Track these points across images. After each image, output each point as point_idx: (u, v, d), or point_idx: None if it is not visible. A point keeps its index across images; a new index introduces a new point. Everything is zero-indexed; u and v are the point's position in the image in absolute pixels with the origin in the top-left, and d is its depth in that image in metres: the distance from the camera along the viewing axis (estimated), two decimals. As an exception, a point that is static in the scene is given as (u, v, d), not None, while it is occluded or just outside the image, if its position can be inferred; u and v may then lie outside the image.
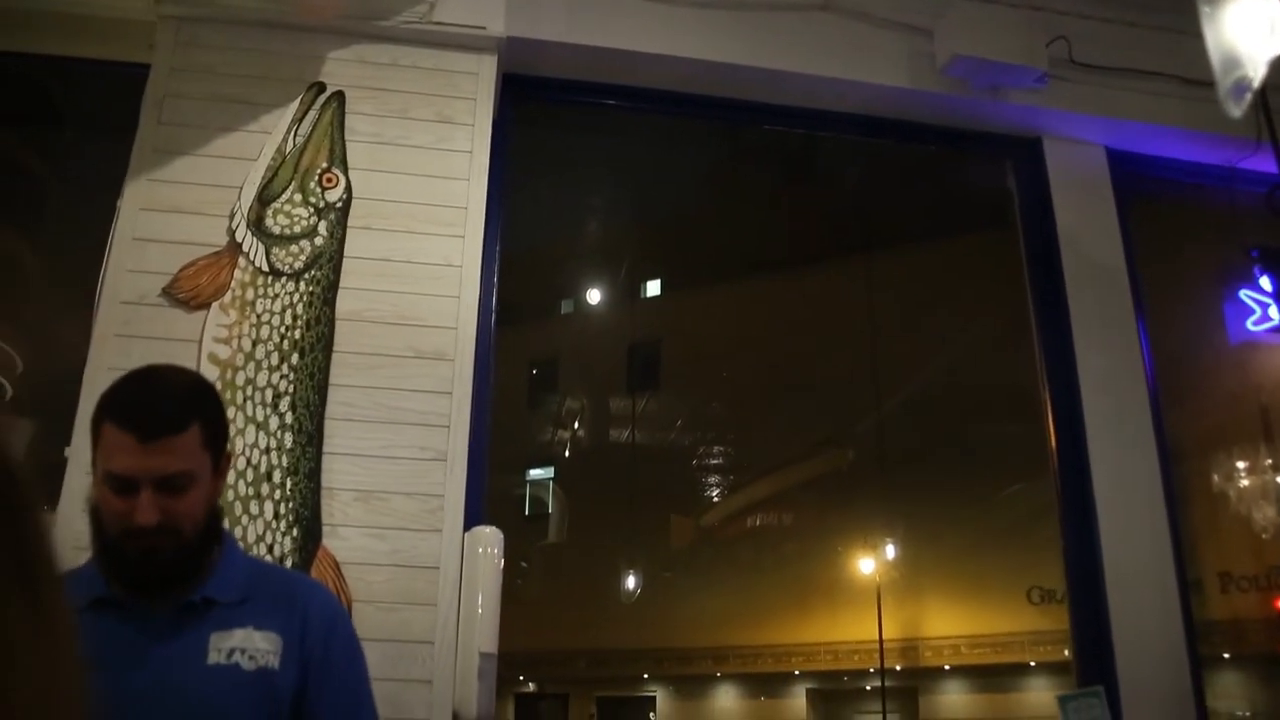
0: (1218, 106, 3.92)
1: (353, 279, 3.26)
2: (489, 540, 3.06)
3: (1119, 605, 3.69)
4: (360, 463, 3.05)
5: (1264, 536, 12.79)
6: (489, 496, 3.45)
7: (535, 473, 20.11)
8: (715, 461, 19.15)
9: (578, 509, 18.72)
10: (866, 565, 18.63)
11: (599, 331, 19.08)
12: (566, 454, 19.63)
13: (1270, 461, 9.50)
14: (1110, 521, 3.75)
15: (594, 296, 18.93)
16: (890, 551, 18.21)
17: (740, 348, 17.26)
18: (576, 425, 19.32)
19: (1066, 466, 3.87)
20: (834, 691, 22.88)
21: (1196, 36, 3.93)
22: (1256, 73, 1.61)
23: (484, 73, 3.65)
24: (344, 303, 3.22)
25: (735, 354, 17.54)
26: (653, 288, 20.74)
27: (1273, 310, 4.15)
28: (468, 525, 3.12)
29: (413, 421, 3.13)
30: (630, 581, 17.29)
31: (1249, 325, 4.38)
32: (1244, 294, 4.39)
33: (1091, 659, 3.71)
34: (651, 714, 23.92)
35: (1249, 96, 1.63)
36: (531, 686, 23.85)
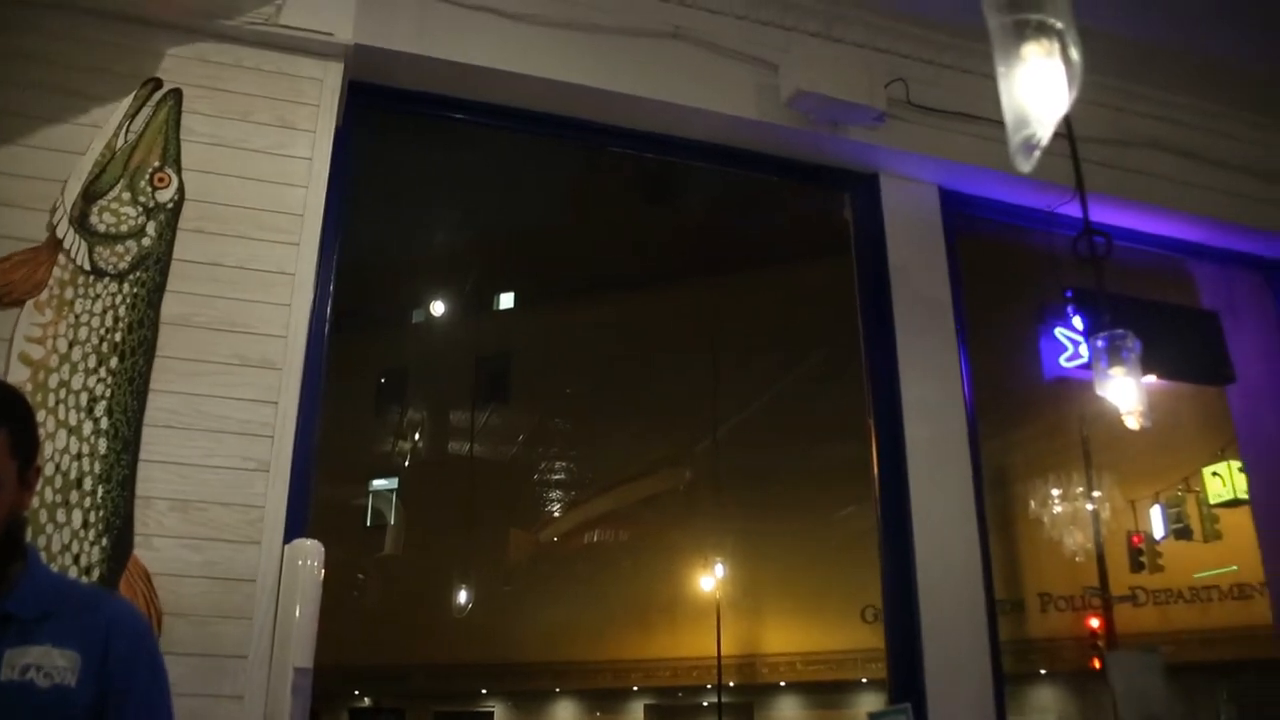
0: (1044, 153, 4.16)
1: (181, 282, 3.16)
2: (310, 553, 3.01)
3: (930, 624, 3.84)
4: (179, 471, 2.96)
5: (1077, 560, 13.47)
6: (331, 506, 3.40)
7: (379, 483, 19.78)
8: (557, 476, 19.18)
9: (419, 521, 18.48)
10: (707, 583, 18.92)
11: (449, 342, 18.89)
12: (408, 465, 19.38)
13: (1081, 490, 10.07)
14: (925, 544, 3.90)
15: (446, 308, 18.73)
16: (722, 570, 18.54)
17: (588, 364, 17.35)
18: (417, 436, 19.09)
19: (887, 490, 4.02)
20: (672, 707, 23.09)
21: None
22: (1044, 132, 1.72)
23: (329, 79, 3.59)
24: (170, 306, 3.12)
25: (583, 370, 17.62)
26: (506, 300, 20.67)
27: (1083, 348, 4.39)
28: (290, 537, 3.05)
29: (236, 430, 3.05)
30: (462, 596, 17.14)
31: (1061, 361, 4.63)
32: (1059, 332, 4.64)
33: (903, 676, 3.85)
34: (488, 729, 23.74)
35: (1037, 154, 1.73)
36: (367, 701, 23.36)
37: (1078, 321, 4.40)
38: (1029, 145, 1.68)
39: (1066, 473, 10.65)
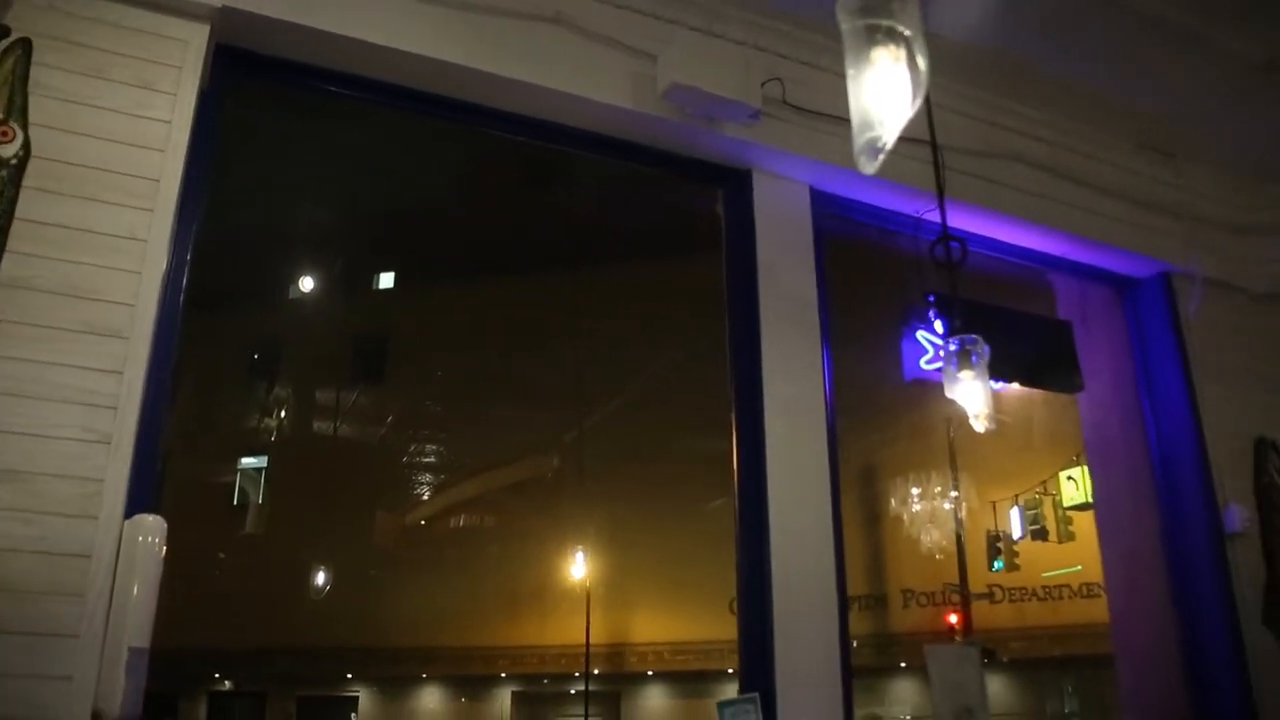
0: (912, 160, 4.26)
1: (22, 243, 3.02)
2: (151, 529, 2.91)
3: (783, 616, 3.90)
4: (11, 441, 2.83)
5: (938, 558, 13.88)
6: (198, 484, 3.28)
7: (248, 461, 19.29)
8: (427, 459, 18.98)
9: (286, 500, 18.10)
10: (577, 571, 18.97)
11: (326, 320, 18.51)
12: (276, 443, 18.95)
13: (939, 489, 10.39)
14: (781, 538, 3.97)
15: (324, 285, 18.33)
16: (587, 559, 18.63)
17: (463, 347, 17.19)
18: (283, 414, 18.69)
19: (746, 484, 4.07)
20: (538, 694, 23.11)
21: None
22: (889, 135, 1.76)
23: (194, 41, 3.47)
24: (9, 268, 2.98)
25: (458, 353, 17.45)
26: (386, 280, 20.32)
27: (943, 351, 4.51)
28: (132, 512, 2.95)
29: (76, 400, 2.93)
30: (320, 577, 16.86)
31: (922, 364, 4.75)
32: (920, 335, 4.76)
33: (755, 667, 3.91)
34: (353, 714, 23.37)
35: (882, 156, 1.77)
36: (228, 685, 22.82)
37: (939, 325, 4.50)
38: (873, 148, 1.72)
39: (927, 472, 10.97)
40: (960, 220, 5.03)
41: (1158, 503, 5.48)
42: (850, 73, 1.75)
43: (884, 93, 1.73)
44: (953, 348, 3.31)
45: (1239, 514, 5.27)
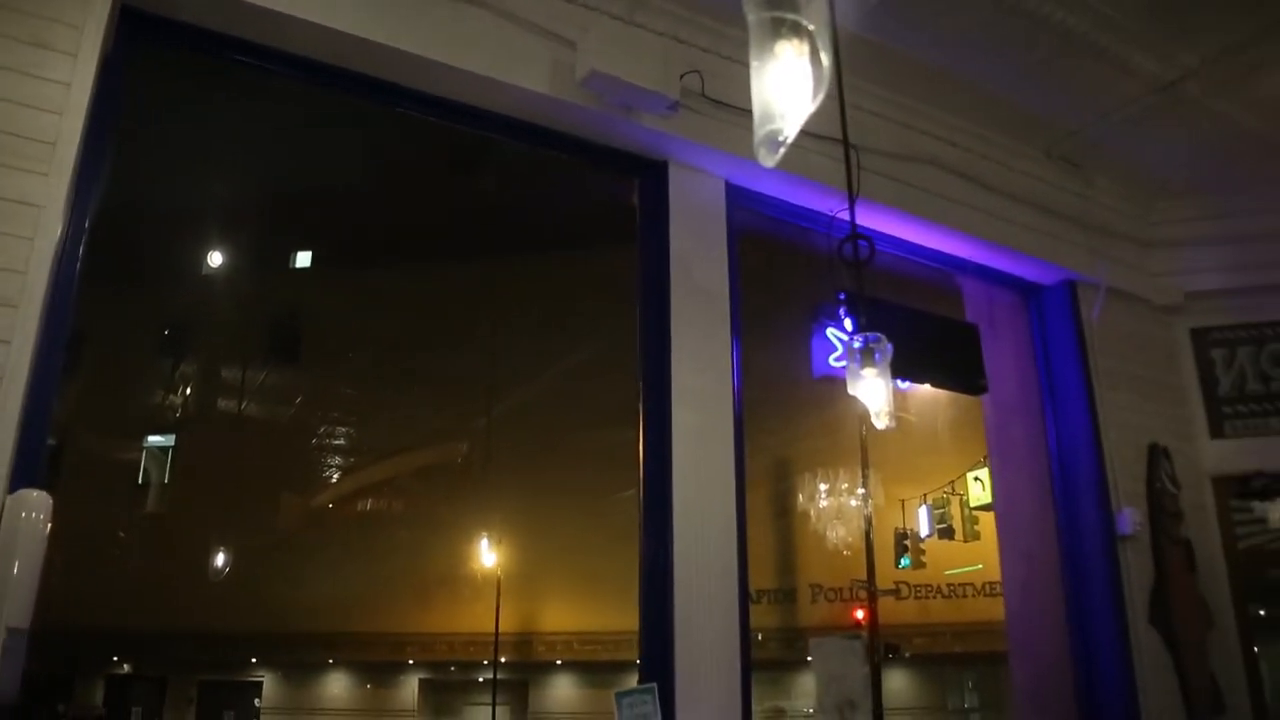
0: (827, 159, 4.30)
1: (-97, 204, 2.91)
2: (34, 505, 2.82)
3: (684, 608, 3.92)
4: (-116, 409, 2.73)
5: (845, 554, 14.06)
6: (104, 462, 3.17)
7: (154, 439, 18.84)
8: (336, 441, 18.71)
9: (193, 480, 17.71)
10: (488, 558, 18.87)
11: (241, 298, 18.10)
12: (185, 422, 18.52)
13: (846, 486, 10.54)
14: (684, 530, 3.98)
15: (238, 261, 17.91)
16: (498, 547, 18.54)
17: (379, 331, 16.96)
18: (188, 392, 18.28)
19: (651, 475, 4.08)
20: (446, 682, 22.97)
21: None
22: (790, 129, 1.77)
23: (95, 1, 3.36)
24: (-112, 229, 2.87)
25: (372, 336, 17.21)
26: (303, 259, 19.93)
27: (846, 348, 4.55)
28: (16, 486, 2.86)
29: (-44, 369, 2.83)
30: (219, 559, 16.55)
31: (831, 360, 4.80)
32: (830, 332, 4.81)
33: (654, 658, 3.92)
34: (256, 700, 22.98)
35: (783, 150, 1.78)
36: (127, 668, 22.27)
37: (849, 323, 4.55)
38: (774, 140, 1.72)
39: (835, 469, 11.11)
40: (874, 220, 5.09)
41: (1055, 505, 5.61)
42: (754, 65, 1.75)
43: (786, 86, 1.74)
44: (856, 345, 3.35)
45: (1131, 517, 5.42)
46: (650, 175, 4.51)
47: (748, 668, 4.05)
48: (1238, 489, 6.19)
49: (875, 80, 5.03)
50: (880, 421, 3.25)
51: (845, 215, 4.76)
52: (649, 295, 4.32)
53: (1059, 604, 5.55)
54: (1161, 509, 5.66)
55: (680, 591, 3.94)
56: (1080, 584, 5.47)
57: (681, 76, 4.28)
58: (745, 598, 4.13)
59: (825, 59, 1.75)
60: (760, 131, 1.74)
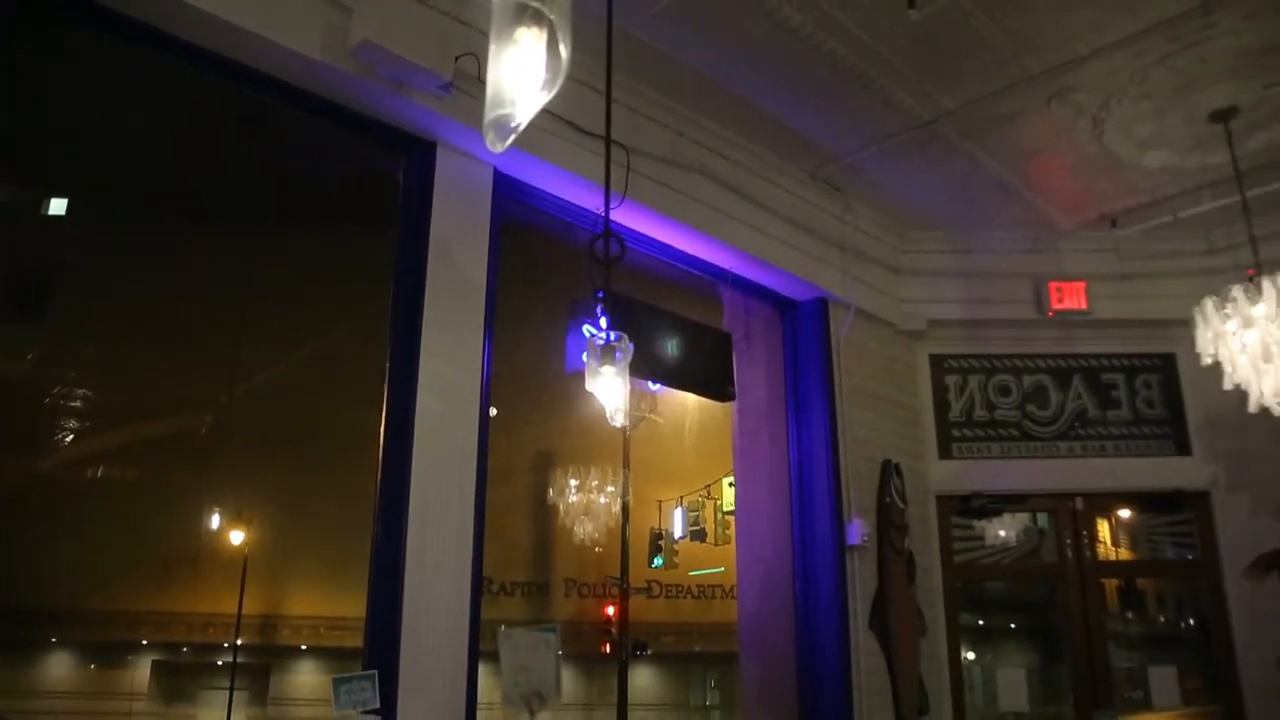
0: (597, 156, 4.32)
1: None
2: None
3: (414, 596, 3.85)
4: None
5: (597, 550, 14.21)
6: None
7: None
8: (73, 404, 17.50)
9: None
10: (235, 536, 18.12)
11: (-20, 240, 16.69)
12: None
13: (596, 483, 10.68)
14: (420, 517, 3.91)
15: (-19, 201, 16.50)
16: (244, 526, 17.85)
17: (131, 290, 15.98)
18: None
19: (391, 459, 3.98)
20: (182, 664, 21.90)
21: (597, 92, 4.30)
22: (522, 116, 1.75)
23: None
24: None
25: (126, 295, 16.21)
26: (57, 206, 18.56)
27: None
28: None
29: None
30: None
31: (584, 357, 4.82)
32: (587, 329, 4.83)
33: (379, 644, 3.85)
34: (-38, 680, 21.27)
35: (513, 137, 1.76)
36: None
37: (603, 321, 4.59)
38: (503, 125, 1.70)
39: (586, 465, 11.21)
40: (640, 223, 5.18)
41: (792, 513, 5.84)
42: (492, 48, 1.73)
43: (521, 73, 1.72)
44: (598, 343, 3.38)
45: (860, 528, 5.71)
46: (418, 155, 4.40)
47: (475, 657, 4.02)
48: (959, 507, 6.63)
49: (653, 85, 5.11)
50: (616, 420, 3.30)
51: (611, 215, 4.84)
52: (405, 276, 4.22)
53: (789, 607, 5.78)
54: (889, 522, 5.99)
55: (411, 579, 3.87)
56: (809, 589, 5.71)
57: (457, 59, 4.21)
58: (479, 588, 4.10)
59: (564, 51, 1.74)
60: (490, 114, 1.72)
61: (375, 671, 3.63)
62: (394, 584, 3.86)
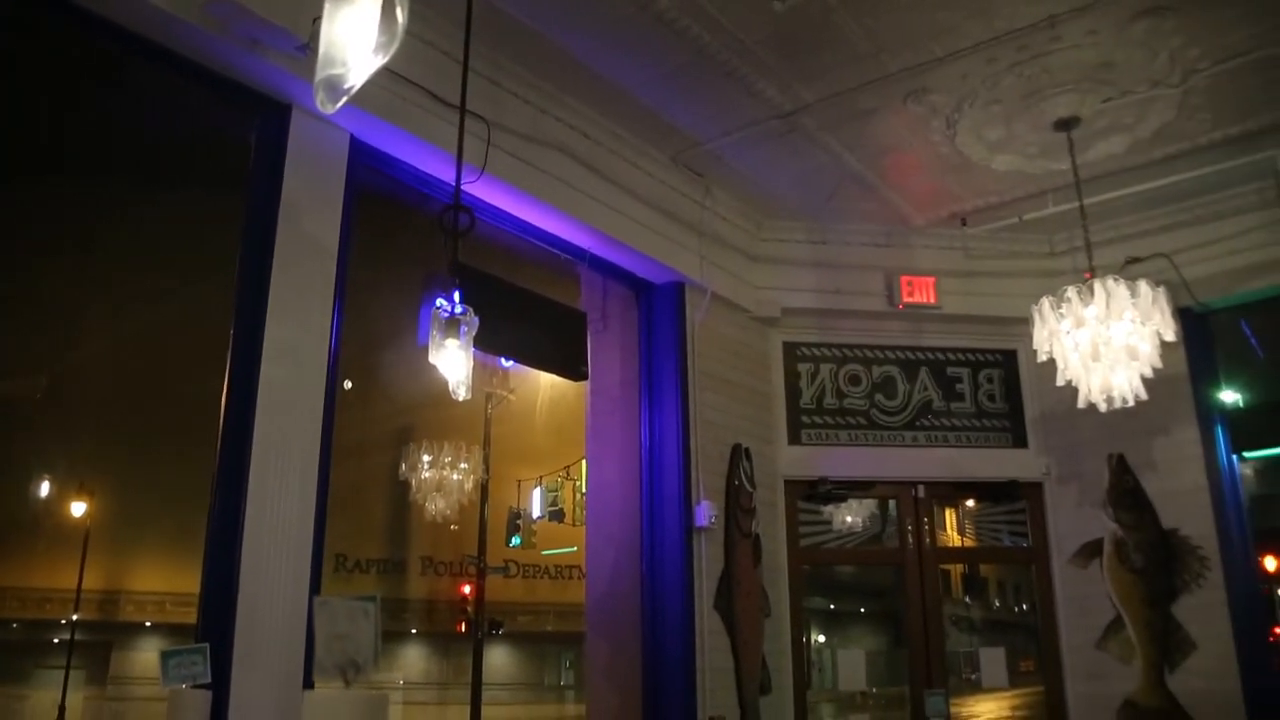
0: (455, 128, 4.27)
1: None
2: None
3: (251, 569, 3.76)
4: None
5: (453, 528, 14.10)
6: None
7: None
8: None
9: None
10: (76, 508, 17.42)
11: None
12: None
13: (449, 459, 10.61)
14: (260, 488, 3.83)
15: None
16: (85, 497, 17.14)
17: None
18: None
19: (231, 428, 3.88)
20: (14, 642, 20.98)
21: (459, 62, 4.25)
22: (354, 79, 1.73)
23: None
24: None
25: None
26: None
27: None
28: None
29: None
30: None
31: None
32: (441, 302, 4.78)
33: (213, 618, 3.75)
34: None
35: (344, 99, 1.74)
36: None
37: (457, 296, 4.55)
38: (335, 85, 1.68)
39: (440, 441, 11.11)
40: (500, 199, 5.15)
41: (642, 493, 5.90)
42: (327, 7, 1.70)
43: (356, 34, 1.70)
44: (443, 315, 3.36)
45: (708, 510, 5.80)
46: (272, 117, 4.27)
47: (313, 632, 3.95)
48: (806, 492, 6.79)
49: (517, 60, 5.07)
50: (459, 393, 3.28)
51: (470, 187, 4.80)
52: (253, 241, 4.10)
53: (636, 587, 5.84)
54: (737, 505, 6.11)
55: (249, 551, 3.78)
56: (656, 569, 5.78)
57: (315, 20, 4.09)
58: (319, 562, 4.03)
59: (401, 15, 1.73)
60: (321, 74, 1.70)
61: (207, 645, 3.55)
62: (230, 555, 3.77)
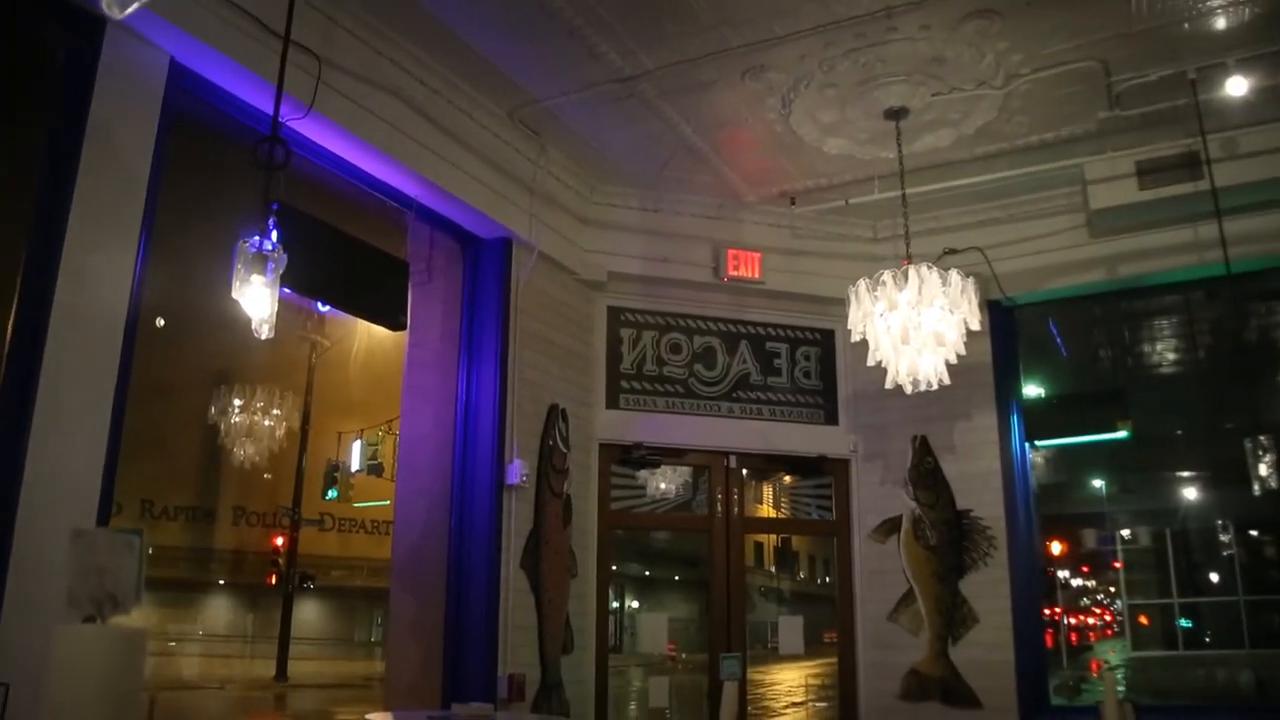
0: (288, 68, 4.13)
1: None
2: None
3: (31, 513, 3.52)
4: None
5: (266, 477, 13.76)
6: None
7: None
8: None
9: None
10: None
11: None
12: None
13: (262, 404, 10.35)
14: (45, 427, 3.59)
15: None
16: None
17: None
18: None
19: (17, 361, 3.61)
20: None
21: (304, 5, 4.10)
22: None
23: None
24: None
25: None
26: None
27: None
28: None
29: None
30: None
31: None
32: (249, 238, 4.63)
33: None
34: None
35: (134, 7, 1.67)
36: None
37: (275, 236, 4.42)
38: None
39: (252, 385, 10.79)
40: (328, 139, 5.01)
41: (455, 449, 5.87)
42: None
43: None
44: (249, 250, 3.26)
45: (520, 469, 5.81)
46: (83, 31, 4.00)
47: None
48: (620, 456, 6.87)
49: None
50: (262, 332, 3.20)
51: (295, 124, 4.66)
52: (56, 159, 3.85)
53: (444, 541, 5.81)
54: (550, 465, 6.14)
55: (29, 493, 3.54)
56: (465, 525, 5.77)
57: (130, -72, 3.89)
58: (108, 506, 3.83)
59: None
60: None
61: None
62: (9, 493, 3.54)
